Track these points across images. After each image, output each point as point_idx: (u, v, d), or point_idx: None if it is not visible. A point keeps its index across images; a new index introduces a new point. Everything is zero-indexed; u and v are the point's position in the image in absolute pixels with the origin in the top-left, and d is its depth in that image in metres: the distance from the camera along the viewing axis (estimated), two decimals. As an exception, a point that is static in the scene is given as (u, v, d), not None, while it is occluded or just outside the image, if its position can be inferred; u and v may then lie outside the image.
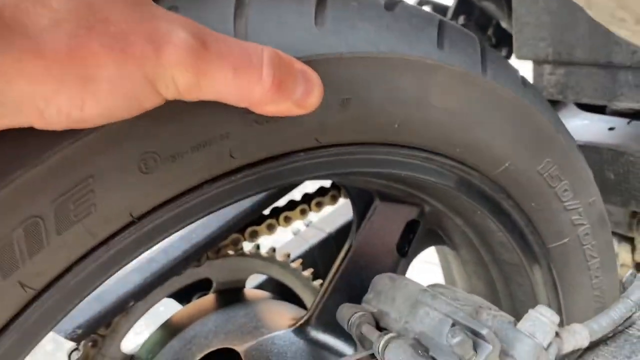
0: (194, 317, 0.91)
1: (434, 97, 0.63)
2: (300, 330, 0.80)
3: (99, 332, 0.87)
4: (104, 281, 0.53)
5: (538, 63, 1.30)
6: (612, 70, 1.18)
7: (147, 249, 0.55)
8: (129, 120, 0.46)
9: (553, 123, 0.75)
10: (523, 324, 0.63)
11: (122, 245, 0.52)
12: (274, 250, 1.07)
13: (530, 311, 0.64)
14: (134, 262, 0.87)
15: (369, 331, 0.63)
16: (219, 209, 0.58)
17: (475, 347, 0.55)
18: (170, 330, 0.91)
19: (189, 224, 0.56)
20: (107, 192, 0.48)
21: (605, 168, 1.17)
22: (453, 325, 0.58)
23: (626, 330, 0.75)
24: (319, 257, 1.21)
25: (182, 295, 1.02)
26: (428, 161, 0.69)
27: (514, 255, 0.88)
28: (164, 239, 0.55)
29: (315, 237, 1.24)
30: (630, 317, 0.73)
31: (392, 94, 0.60)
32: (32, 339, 0.50)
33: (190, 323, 0.89)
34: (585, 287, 0.89)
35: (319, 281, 1.10)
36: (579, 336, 0.67)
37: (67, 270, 0.50)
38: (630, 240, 1.36)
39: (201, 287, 1.01)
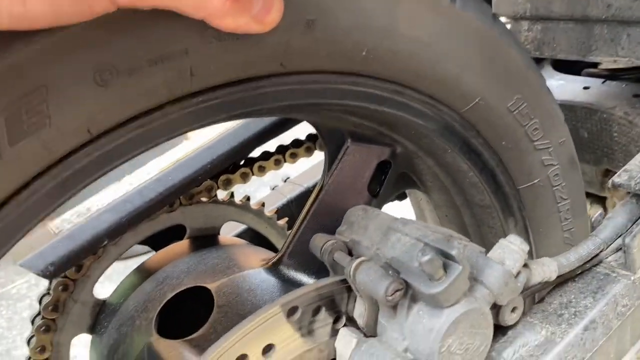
0: (167, 261, 0.91)
1: (402, 25, 0.63)
2: (271, 268, 0.80)
3: (70, 275, 0.87)
4: (62, 202, 0.52)
5: (515, 20, 1.29)
6: (587, 24, 1.17)
7: (107, 171, 0.54)
8: (82, 28, 0.45)
9: (523, 59, 0.75)
10: (493, 252, 0.63)
11: (80, 165, 0.51)
12: (248, 199, 1.07)
13: (501, 240, 0.64)
14: (109, 202, 0.87)
15: (341, 257, 0.64)
16: (182, 133, 0.57)
17: (445, 268, 0.56)
18: (142, 274, 0.91)
19: (151, 147, 0.55)
20: (62, 104, 0.47)
21: (580, 126, 1.17)
22: (424, 247, 0.58)
23: (594, 268, 0.76)
24: (295, 209, 1.21)
25: (156, 244, 1.01)
26: (398, 94, 0.69)
27: (485, 196, 0.88)
28: (124, 161, 0.55)
29: (292, 192, 1.24)
30: (597, 255, 0.74)
31: (359, 19, 0.59)
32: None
33: (162, 266, 0.89)
34: (555, 229, 0.89)
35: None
36: (547, 268, 0.68)
37: (24, 186, 0.49)
38: (602, 200, 1.38)
39: (175, 236, 1.01)
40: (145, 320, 0.78)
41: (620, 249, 0.73)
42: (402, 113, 0.71)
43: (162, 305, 0.78)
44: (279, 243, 1.09)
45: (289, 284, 0.79)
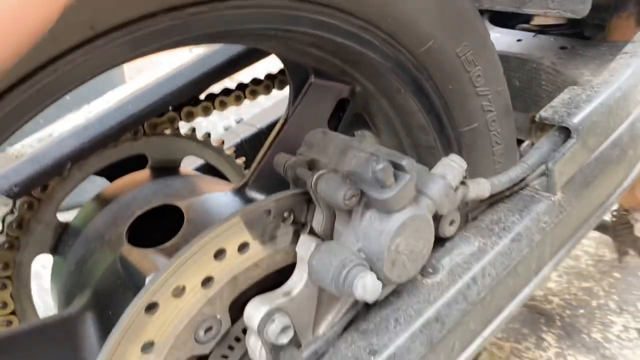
0: (129, 187, 0.95)
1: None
2: (238, 191, 0.86)
3: (35, 194, 0.90)
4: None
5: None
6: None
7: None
8: None
9: (472, 9, 0.82)
10: (436, 169, 0.72)
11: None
12: (209, 135, 1.11)
13: (443, 158, 0.73)
14: (70, 128, 0.90)
15: (303, 172, 0.70)
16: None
17: (395, 178, 0.63)
18: (105, 198, 0.95)
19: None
20: None
21: (512, 76, 1.28)
22: (377, 157, 0.66)
23: (520, 191, 0.86)
24: (249, 149, 1.26)
25: (113, 176, 1.04)
26: (363, 31, 0.75)
27: (430, 137, 0.96)
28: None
29: (246, 132, 1.29)
30: (524, 178, 0.85)
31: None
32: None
33: (124, 192, 0.93)
34: (489, 170, 0.99)
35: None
36: (482, 187, 0.77)
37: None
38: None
39: (132, 170, 1.04)
40: (115, 234, 0.83)
41: (544, 174, 0.83)
42: (365, 50, 0.77)
43: (132, 220, 0.83)
44: (235, 181, 1.15)
45: (252, 204, 0.86)
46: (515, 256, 0.79)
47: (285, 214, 0.70)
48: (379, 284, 0.64)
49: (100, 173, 1.01)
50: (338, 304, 0.75)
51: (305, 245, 0.70)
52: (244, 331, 0.75)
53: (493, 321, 0.81)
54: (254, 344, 0.68)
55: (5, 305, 0.92)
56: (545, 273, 0.86)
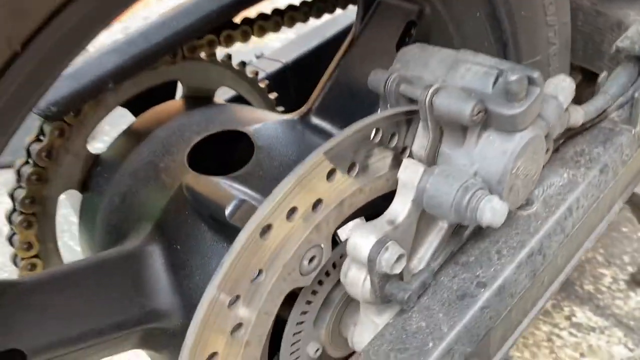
0: (166, 116, 0.84)
1: None
2: (302, 118, 0.78)
3: (67, 119, 0.78)
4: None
5: None
6: None
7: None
8: None
9: None
10: (547, 88, 0.67)
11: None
12: (244, 64, 1.02)
13: (551, 79, 0.68)
14: (110, 44, 0.78)
15: (409, 89, 0.63)
16: None
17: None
18: (143, 128, 0.84)
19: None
20: None
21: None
22: (498, 76, 0.60)
23: (598, 124, 0.83)
24: (274, 85, 1.17)
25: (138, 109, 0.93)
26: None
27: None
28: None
29: (270, 67, 1.20)
30: (605, 110, 0.81)
31: None
32: None
33: (161, 122, 0.83)
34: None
35: (281, 108, 1.08)
36: (578, 114, 0.73)
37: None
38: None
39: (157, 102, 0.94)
40: (172, 162, 0.73)
41: (623, 105, 0.80)
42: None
43: (192, 146, 0.74)
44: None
45: (317, 132, 0.78)
46: (602, 188, 0.76)
47: (386, 136, 0.64)
48: (507, 207, 0.59)
49: (125, 105, 0.90)
50: (432, 233, 0.69)
51: (410, 170, 0.63)
52: (334, 265, 0.69)
53: (574, 256, 0.78)
54: (355, 276, 0.62)
55: (29, 246, 0.80)
56: (615, 209, 0.84)
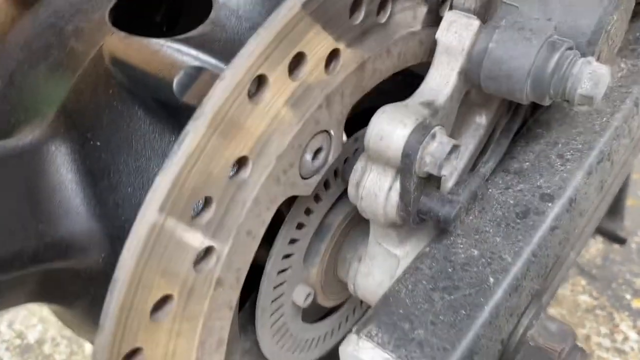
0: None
1: None
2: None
3: None
4: None
5: None
6: None
7: None
8: None
9: None
10: None
11: None
12: None
13: None
14: None
15: None
16: None
17: None
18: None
19: None
20: None
21: None
22: None
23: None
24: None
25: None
26: None
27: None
28: None
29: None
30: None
31: None
32: None
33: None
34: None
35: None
36: None
37: None
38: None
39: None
40: (87, 22, 0.48)
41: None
42: None
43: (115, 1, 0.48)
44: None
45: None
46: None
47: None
48: (609, 73, 0.40)
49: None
50: (467, 132, 0.50)
51: (458, 26, 0.42)
52: (335, 173, 0.47)
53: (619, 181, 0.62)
54: (375, 184, 0.41)
55: None
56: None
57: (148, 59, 0.43)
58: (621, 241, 1.45)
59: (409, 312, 0.38)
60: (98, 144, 0.43)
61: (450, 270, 0.41)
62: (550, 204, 0.45)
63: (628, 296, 1.38)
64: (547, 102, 0.41)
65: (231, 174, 0.33)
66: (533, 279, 0.42)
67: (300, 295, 0.47)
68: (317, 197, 0.45)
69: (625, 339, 1.29)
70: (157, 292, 0.31)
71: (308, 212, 0.45)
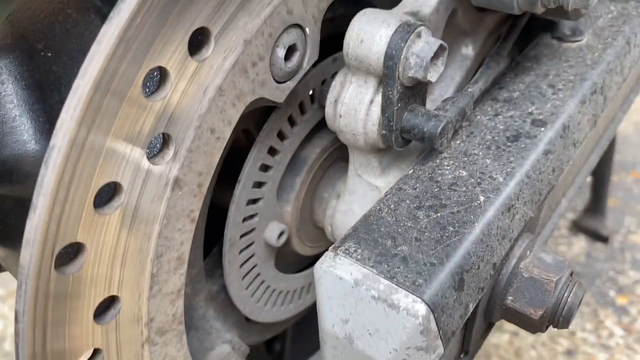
0: None
1: None
2: None
3: None
4: None
5: None
6: None
7: None
8: None
9: None
10: None
11: None
12: None
13: None
14: None
15: None
16: None
17: None
18: None
19: None
20: None
21: None
22: None
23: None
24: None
25: None
26: None
27: None
28: None
29: None
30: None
31: None
32: None
33: None
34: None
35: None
36: None
37: None
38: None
39: None
40: None
41: None
42: None
43: None
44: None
45: None
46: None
47: None
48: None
49: None
50: (452, 64, 0.46)
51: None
52: (312, 98, 0.43)
53: (611, 128, 0.59)
54: (356, 97, 0.37)
55: None
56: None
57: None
58: (604, 239, 1.44)
59: (392, 229, 0.34)
60: (49, 54, 0.39)
61: (436, 190, 0.37)
62: (542, 129, 0.41)
63: (612, 293, 1.35)
64: (539, 10, 0.38)
65: (190, 50, 0.29)
66: (527, 203, 0.38)
67: (273, 232, 0.43)
68: (291, 121, 0.42)
69: (611, 334, 1.26)
70: (102, 177, 0.27)
71: (281, 136, 0.41)
